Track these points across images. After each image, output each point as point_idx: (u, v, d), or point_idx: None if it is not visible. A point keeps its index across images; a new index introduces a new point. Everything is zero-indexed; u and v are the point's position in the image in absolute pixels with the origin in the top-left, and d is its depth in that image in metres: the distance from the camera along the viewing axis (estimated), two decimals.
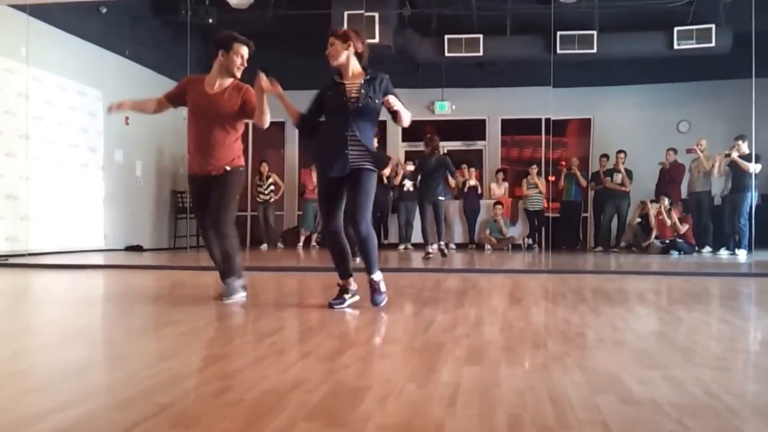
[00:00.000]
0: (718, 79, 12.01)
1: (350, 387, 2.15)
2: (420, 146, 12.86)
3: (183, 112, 4.47)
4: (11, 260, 8.08)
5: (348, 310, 3.99)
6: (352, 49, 3.97)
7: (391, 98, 3.84)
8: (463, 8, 11.55)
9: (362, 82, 3.95)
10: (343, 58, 3.98)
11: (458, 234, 12.52)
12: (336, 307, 3.98)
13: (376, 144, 4.28)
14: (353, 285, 4.12)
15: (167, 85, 12.49)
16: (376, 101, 3.92)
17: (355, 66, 4.00)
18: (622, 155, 11.75)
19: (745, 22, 8.76)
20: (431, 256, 9.01)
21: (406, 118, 3.95)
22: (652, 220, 11.00)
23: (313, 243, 12.37)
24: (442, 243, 9.44)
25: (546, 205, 12.10)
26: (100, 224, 10.78)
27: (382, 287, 4.09)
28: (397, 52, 11.77)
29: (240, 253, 4.43)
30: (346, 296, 4.07)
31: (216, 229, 4.30)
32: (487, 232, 12.06)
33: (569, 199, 12.30)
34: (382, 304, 4.05)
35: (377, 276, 4.07)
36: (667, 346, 2.98)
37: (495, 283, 5.92)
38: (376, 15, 10.89)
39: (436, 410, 1.89)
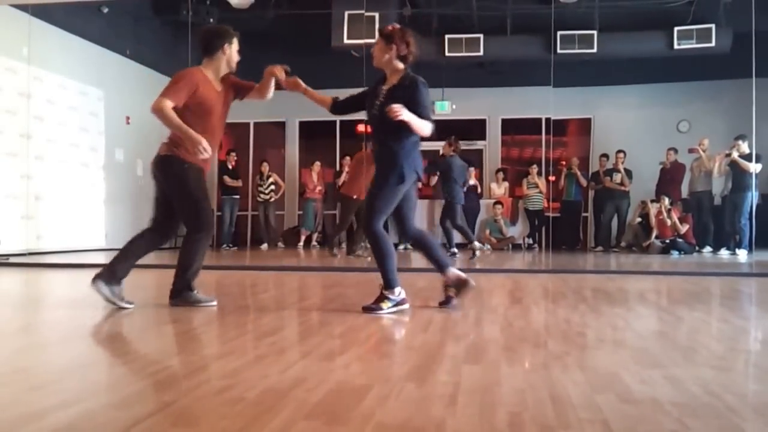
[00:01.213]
0: (718, 78, 12.01)
1: (350, 386, 2.15)
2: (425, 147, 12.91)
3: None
4: (12, 259, 8.09)
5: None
6: (394, 51, 3.80)
7: (396, 107, 3.59)
8: (463, 8, 11.54)
9: (388, 89, 3.82)
10: (383, 59, 3.84)
11: (457, 234, 12.50)
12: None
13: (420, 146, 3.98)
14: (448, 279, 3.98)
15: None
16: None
17: (396, 69, 3.85)
18: (622, 155, 11.76)
19: (745, 21, 8.76)
20: (478, 253, 9.06)
21: (420, 128, 3.73)
22: (653, 220, 11.00)
23: (314, 243, 12.37)
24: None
25: (546, 205, 12.11)
26: (101, 223, 10.78)
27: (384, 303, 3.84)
28: None
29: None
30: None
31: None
32: (487, 231, 12.05)
33: (569, 198, 12.30)
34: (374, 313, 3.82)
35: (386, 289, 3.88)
36: (667, 346, 2.98)
37: (495, 283, 5.91)
38: (377, 15, 10.88)
39: (436, 409, 1.89)
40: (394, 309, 3.82)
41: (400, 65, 3.85)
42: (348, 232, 10.52)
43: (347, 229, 9.98)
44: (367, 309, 3.81)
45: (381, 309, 3.79)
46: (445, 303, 4.00)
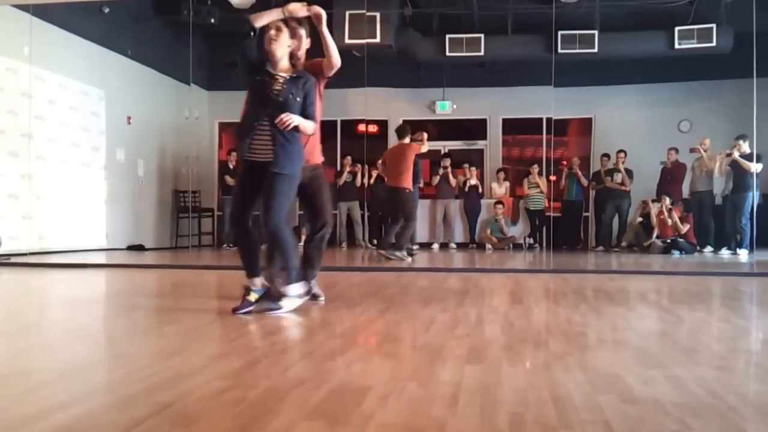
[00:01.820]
0: (719, 78, 12.01)
1: (351, 386, 2.15)
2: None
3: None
4: (13, 259, 8.09)
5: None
6: (292, 47, 3.82)
7: (287, 117, 3.60)
8: (464, 8, 11.55)
9: (288, 77, 3.78)
10: (284, 49, 3.78)
11: (459, 233, 12.52)
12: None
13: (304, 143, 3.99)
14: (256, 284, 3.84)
15: (169, 84, 12.62)
16: (297, 99, 3.74)
17: (285, 62, 3.82)
18: (622, 155, 11.76)
19: (746, 21, 8.76)
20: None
21: (306, 129, 3.78)
22: (654, 220, 10.99)
23: None
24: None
25: (547, 205, 12.11)
26: (102, 223, 10.79)
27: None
28: (399, 52, 11.78)
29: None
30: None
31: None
32: (488, 231, 12.05)
33: (570, 198, 12.29)
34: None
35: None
36: (668, 346, 2.98)
37: (496, 283, 5.91)
38: (378, 15, 10.90)
39: (437, 409, 1.89)
40: (299, 303, 3.81)
41: (288, 60, 3.84)
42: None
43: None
44: (267, 309, 3.73)
45: (281, 308, 3.73)
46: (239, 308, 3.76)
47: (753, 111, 8.64)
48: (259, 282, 3.82)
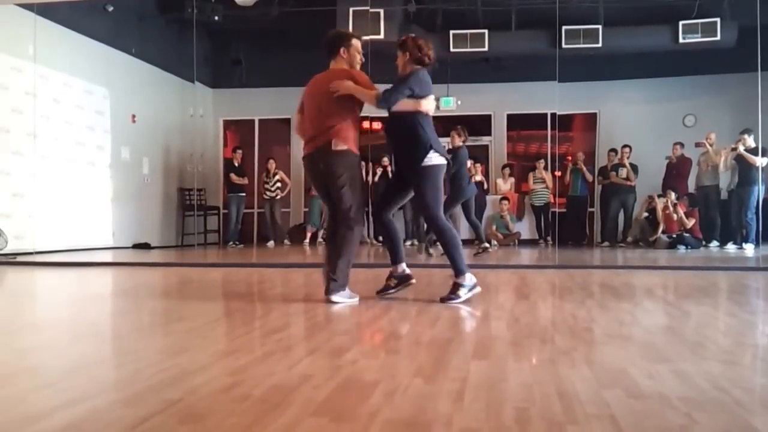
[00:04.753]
0: (723, 72, 11.94)
1: (357, 382, 2.16)
2: None
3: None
4: (19, 258, 8.12)
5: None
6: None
7: None
8: (467, 3, 11.53)
9: None
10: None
11: (464, 230, 12.49)
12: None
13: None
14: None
15: (174, 82, 12.64)
16: None
17: None
18: (627, 150, 11.73)
19: (750, 15, 8.72)
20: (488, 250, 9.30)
21: None
22: (659, 215, 10.97)
23: (319, 239, 12.38)
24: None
25: (552, 200, 12.09)
26: (108, 222, 10.81)
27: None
28: None
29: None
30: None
31: None
32: (494, 227, 12.04)
33: (575, 194, 12.27)
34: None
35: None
36: (674, 341, 2.98)
37: (501, 279, 5.91)
38: (381, 11, 10.89)
39: (443, 405, 1.90)
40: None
41: None
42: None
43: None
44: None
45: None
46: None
47: (758, 105, 8.61)
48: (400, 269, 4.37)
